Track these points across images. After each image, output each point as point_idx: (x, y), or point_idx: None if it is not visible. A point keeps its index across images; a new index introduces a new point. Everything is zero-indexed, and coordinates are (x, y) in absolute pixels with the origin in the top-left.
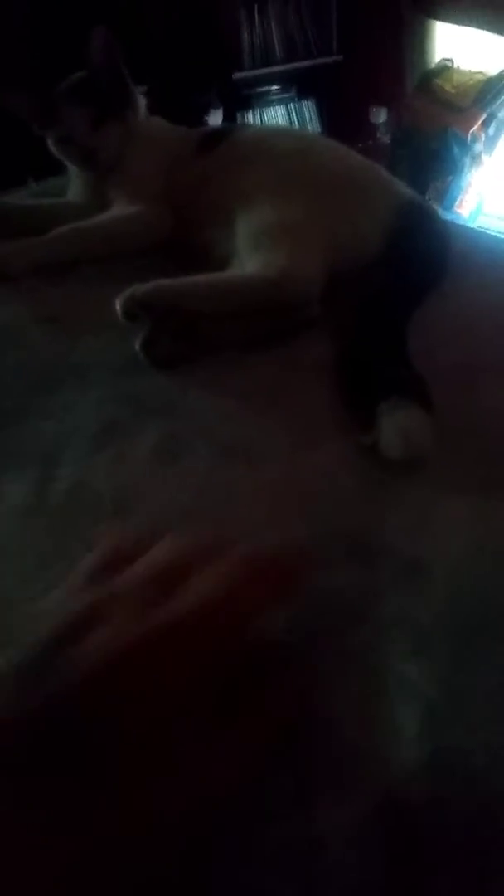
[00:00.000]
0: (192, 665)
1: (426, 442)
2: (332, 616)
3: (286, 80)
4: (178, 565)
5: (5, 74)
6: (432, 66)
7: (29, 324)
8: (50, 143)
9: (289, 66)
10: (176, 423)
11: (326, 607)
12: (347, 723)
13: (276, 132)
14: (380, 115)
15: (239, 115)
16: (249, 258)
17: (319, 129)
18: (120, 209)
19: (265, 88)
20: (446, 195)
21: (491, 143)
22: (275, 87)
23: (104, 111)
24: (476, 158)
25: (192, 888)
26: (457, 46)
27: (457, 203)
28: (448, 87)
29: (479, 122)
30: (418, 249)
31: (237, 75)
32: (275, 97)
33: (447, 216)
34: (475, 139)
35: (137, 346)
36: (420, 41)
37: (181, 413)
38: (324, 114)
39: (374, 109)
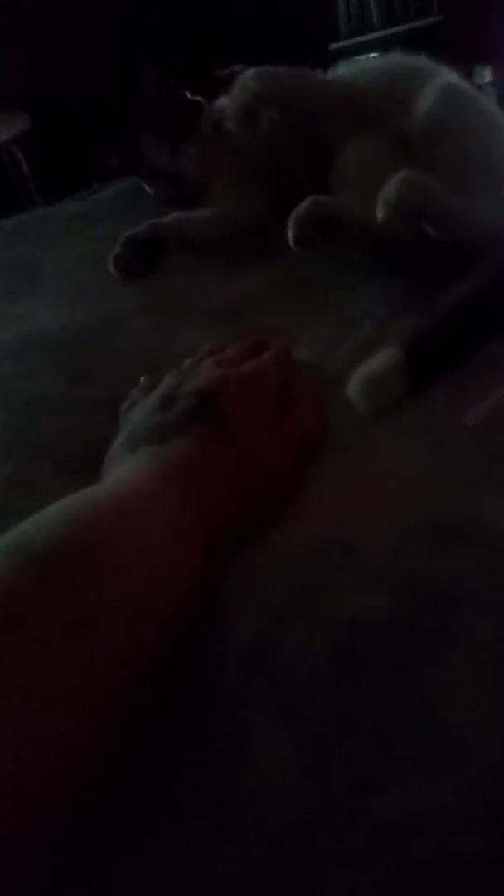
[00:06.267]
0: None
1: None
2: (433, 599)
3: (385, 46)
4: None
5: (99, 135)
6: None
7: (132, 313)
8: (145, 185)
9: (387, 32)
10: None
11: (427, 590)
12: (446, 704)
13: None
14: (485, 75)
15: None
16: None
17: None
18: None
19: (363, 57)
20: None
21: None
22: (373, 56)
23: (175, 138)
24: None
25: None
26: None
27: None
28: None
29: None
30: None
31: (333, 46)
32: None
33: None
34: None
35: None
36: None
37: None
38: None
39: (477, 69)
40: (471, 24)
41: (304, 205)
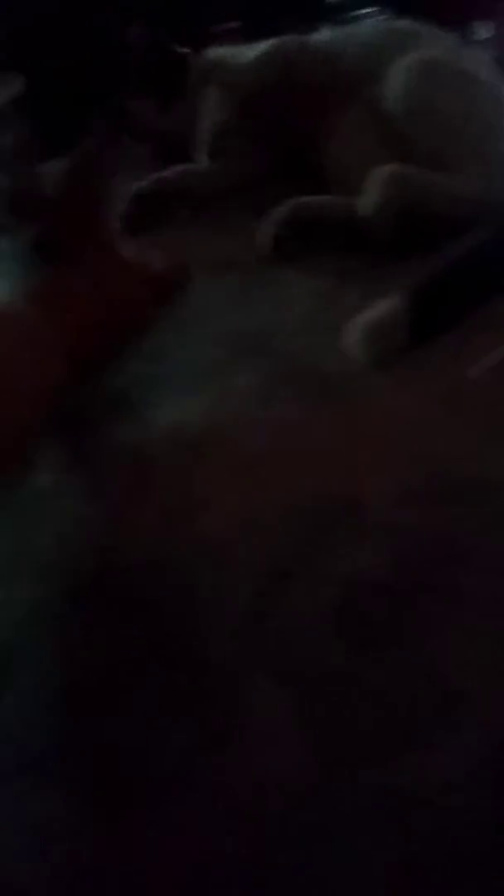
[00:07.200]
0: None
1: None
2: (437, 556)
3: (381, 1)
4: None
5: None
6: None
7: None
8: (135, 144)
9: None
10: (272, 364)
11: (431, 547)
12: (452, 666)
13: None
14: (483, 31)
15: None
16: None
17: None
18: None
19: (359, 11)
20: None
21: None
22: (369, 10)
23: (166, 95)
24: None
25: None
26: None
27: None
28: None
29: None
30: None
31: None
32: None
33: None
34: None
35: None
36: None
37: (277, 353)
38: None
39: (477, 25)
40: None
41: (283, 209)
